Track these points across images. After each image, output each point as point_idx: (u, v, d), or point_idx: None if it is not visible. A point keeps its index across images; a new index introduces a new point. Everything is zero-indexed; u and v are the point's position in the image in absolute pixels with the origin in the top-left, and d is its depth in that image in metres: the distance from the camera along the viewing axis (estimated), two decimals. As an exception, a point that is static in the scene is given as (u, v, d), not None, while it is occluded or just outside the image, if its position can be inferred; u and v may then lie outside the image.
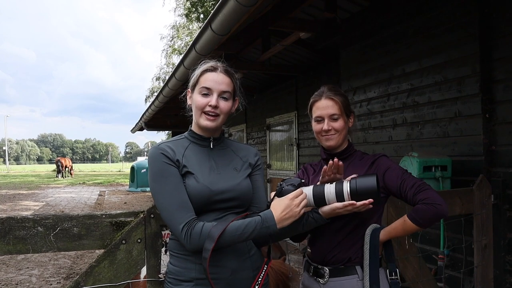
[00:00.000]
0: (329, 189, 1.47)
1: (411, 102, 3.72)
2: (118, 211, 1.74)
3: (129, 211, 1.74)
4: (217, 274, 1.43)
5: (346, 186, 1.45)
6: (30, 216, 1.61)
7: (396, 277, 1.61)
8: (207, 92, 1.48)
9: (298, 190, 1.43)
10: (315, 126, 1.73)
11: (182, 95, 1.66)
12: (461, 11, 3.21)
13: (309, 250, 1.75)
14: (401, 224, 1.57)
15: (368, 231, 1.60)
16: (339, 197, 1.45)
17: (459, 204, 2.63)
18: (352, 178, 1.47)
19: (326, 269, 1.64)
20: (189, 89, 1.58)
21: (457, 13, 3.23)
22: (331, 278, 1.62)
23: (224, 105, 1.50)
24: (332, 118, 1.68)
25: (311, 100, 1.76)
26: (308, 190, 1.48)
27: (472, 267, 2.84)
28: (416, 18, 3.66)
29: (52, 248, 1.62)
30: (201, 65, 1.55)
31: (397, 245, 2.37)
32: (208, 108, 1.47)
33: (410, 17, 3.73)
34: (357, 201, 1.42)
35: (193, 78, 1.55)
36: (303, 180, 1.48)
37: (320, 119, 1.71)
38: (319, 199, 1.48)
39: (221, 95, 1.49)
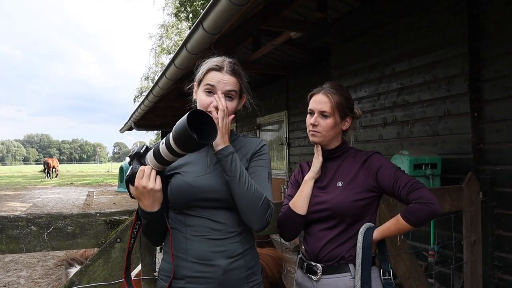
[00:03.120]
0: (163, 142, 1.29)
1: (401, 101, 3.76)
2: (113, 210, 1.73)
3: (123, 209, 1.74)
4: (208, 273, 1.42)
5: (170, 134, 1.26)
6: (23, 215, 1.59)
7: (390, 277, 1.60)
8: (211, 90, 1.46)
9: (140, 169, 1.32)
10: (307, 119, 1.71)
11: (188, 87, 1.61)
12: (450, 11, 3.26)
13: (303, 247, 1.75)
14: (395, 223, 1.56)
15: (362, 230, 1.59)
16: (168, 148, 1.25)
17: (448, 201, 2.67)
18: None
19: (319, 266, 1.63)
20: (195, 83, 1.54)
21: (447, 14, 3.29)
22: (324, 275, 1.62)
23: (229, 104, 1.46)
24: (322, 114, 1.65)
25: (311, 92, 1.73)
26: (150, 155, 1.33)
27: (461, 263, 2.88)
28: (406, 18, 3.71)
29: (46, 247, 1.60)
30: (207, 61, 1.51)
31: (389, 242, 2.40)
32: (211, 108, 1.44)
33: (400, 18, 3.78)
34: (180, 148, 1.22)
35: (199, 73, 1.52)
36: (146, 146, 1.36)
37: (311, 112, 1.69)
38: (159, 158, 1.30)
39: (226, 94, 1.46)
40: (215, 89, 1.45)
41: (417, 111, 3.59)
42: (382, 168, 1.60)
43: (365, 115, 4.26)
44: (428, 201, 1.47)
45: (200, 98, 1.48)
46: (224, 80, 1.46)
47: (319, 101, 1.66)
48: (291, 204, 1.70)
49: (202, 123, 1.25)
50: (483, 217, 2.88)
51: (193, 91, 1.58)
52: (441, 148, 3.34)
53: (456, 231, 2.94)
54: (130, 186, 1.37)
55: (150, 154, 1.33)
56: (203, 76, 1.49)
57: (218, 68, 1.47)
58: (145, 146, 1.37)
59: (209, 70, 1.47)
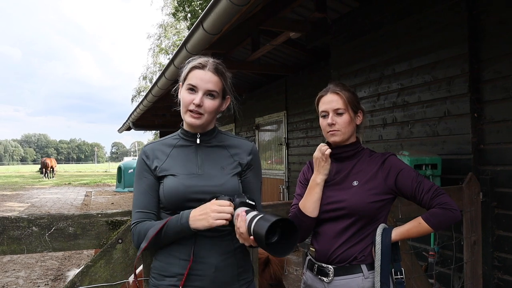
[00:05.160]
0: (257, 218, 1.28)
1: (401, 102, 3.77)
2: (114, 210, 1.73)
3: (124, 210, 1.73)
4: (200, 270, 1.43)
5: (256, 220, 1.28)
6: (25, 216, 1.58)
7: (402, 276, 1.61)
8: (193, 88, 1.47)
9: (226, 201, 1.34)
10: (321, 122, 1.71)
11: (174, 89, 1.62)
12: (450, 12, 3.26)
13: (312, 249, 1.74)
14: (416, 226, 1.58)
15: (379, 231, 1.60)
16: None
17: (449, 202, 2.67)
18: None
19: (331, 267, 1.63)
20: (180, 83, 1.56)
21: (446, 14, 3.29)
22: (336, 277, 1.62)
23: (210, 103, 1.47)
24: (337, 112, 1.66)
25: (318, 96, 1.74)
26: (250, 216, 1.30)
27: (461, 263, 2.89)
28: (405, 19, 3.71)
29: (47, 248, 1.59)
30: (191, 60, 1.53)
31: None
32: (192, 107, 1.45)
33: (399, 18, 3.78)
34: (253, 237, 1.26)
35: (183, 73, 1.53)
36: (252, 203, 1.38)
37: (325, 114, 1.69)
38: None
39: (207, 93, 1.47)
40: (197, 88, 1.46)
41: (417, 111, 3.59)
42: (404, 171, 1.62)
43: (364, 115, 4.27)
44: (451, 207, 1.54)
45: (183, 96, 1.49)
46: (206, 78, 1.46)
47: (330, 100, 1.67)
48: (301, 206, 1.69)
49: (287, 230, 1.28)
50: (483, 217, 2.88)
51: (178, 91, 1.59)
52: (441, 148, 3.34)
53: (456, 232, 2.95)
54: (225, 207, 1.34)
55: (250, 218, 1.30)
56: (187, 75, 1.50)
57: (201, 67, 1.48)
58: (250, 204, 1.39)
59: (192, 68, 1.49)
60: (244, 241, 1.32)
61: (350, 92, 1.69)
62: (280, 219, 1.23)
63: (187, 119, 1.48)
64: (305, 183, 1.78)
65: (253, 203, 1.39)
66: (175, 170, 1.47)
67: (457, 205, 1.59)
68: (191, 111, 1.46)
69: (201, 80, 1.45)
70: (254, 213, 1.31)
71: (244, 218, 1.29)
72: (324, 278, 1.65)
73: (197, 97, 1.45)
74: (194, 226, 1.35)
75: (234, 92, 1.60)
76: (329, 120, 1.66)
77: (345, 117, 1.66)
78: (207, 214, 1.33)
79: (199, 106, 1.45)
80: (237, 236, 1.34)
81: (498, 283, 2.95)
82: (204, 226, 1.34)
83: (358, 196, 1.60)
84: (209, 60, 1.51)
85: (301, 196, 1.74)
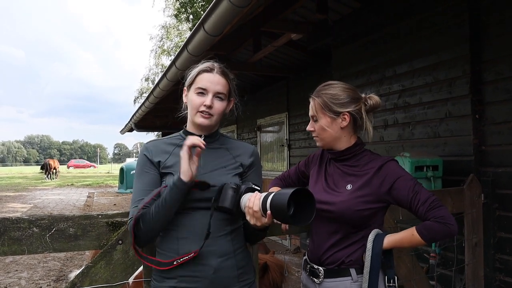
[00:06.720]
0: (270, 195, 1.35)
1: (402, 103, 3.76)
2: (115, 211, 1.73)
3: (125, 211, 1.73)
4: (199, 272, 1.43)
5: (271, 196, 1.33)
6: (26, 217, 1.59)
7: (394, 284, 1.58)
8: (202, 91, 1.51)
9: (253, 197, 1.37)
10: None
11: (184, 95, 1.65)
12: (451, 13, 3.26)
13: (308, 248, 1.75)
14: (408, 237, 1.53)
15: (371, 237, 1.57)
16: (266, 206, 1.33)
17: (450, 203, 2.66)
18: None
19: (321, 269, 1.63)
20: (185, 88, 1.60)
21: (448, 15, 3.29)
22: (326, 278, 1.62)
23: (219, 105, 1.52)
24: (313, 119, 1.67)
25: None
26: (264, 195, 1.37)
27: (463, 265, 2.88)
28: (407, 19, 3.71)
29: (48, 249, 1.60)
30: (198, 65, 1.57)
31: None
32: (202, 108, 1.49)
33: (401, 19, 3.78)
34: (272, 215, 1.31)
35: (189, 77, 1.57)
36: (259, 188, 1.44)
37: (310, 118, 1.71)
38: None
39: (216, 95, 1.51)
40: (207, 91, 1.51)
41: (418, 113, 3.59)
42: (400, 180, 1.54)
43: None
44: (447, 222, 1.46)
45: (192, 98, 1.53)
46: (215, 81, 1.52)
47: (310, 106, 1.69)
48: (275, 185, 1.92)
49: (302, 200, 1.32)
50: (484, 219, 2.88)
51: (184, 94, 1.63)
52: (442, 150, 3.34)
53: (457, 233, 2.94)
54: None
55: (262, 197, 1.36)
56: (194, 79, 1.55)
57: (209, 70, 1.54)
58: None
59: (200, 72, 1.54)
60: (256, 221, 1.36)
61: (326, 96, 1.62)
62: (298, 189, 1.28)
63: (198, 119, 1.51)
64: (300, 171, 1.90)
65: (259, 188, 1.43)
66: (178, 168, 1.47)
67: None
68: (201, 112, 1.50)
69: (210, 83, 1.51)
70: (266, 193, 1.37)
71: (258, 197, 1.35)
72: (315, 279, 1.66)
73: (207, 99, 1.50)
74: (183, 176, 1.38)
75: (237, 94, 1.65)
76: (308, 126, 1.70)
77: (319, 124, 1.64)
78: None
79: (209, 107, 1.49)
80: (248, 217, 1.37)
81: (500, 285, 2.94)
82: (183, 153, 1.38)
83: (347, 203, 1.56)
84: (215, 64, 1.56)
85: (289, 175, 1.96)
